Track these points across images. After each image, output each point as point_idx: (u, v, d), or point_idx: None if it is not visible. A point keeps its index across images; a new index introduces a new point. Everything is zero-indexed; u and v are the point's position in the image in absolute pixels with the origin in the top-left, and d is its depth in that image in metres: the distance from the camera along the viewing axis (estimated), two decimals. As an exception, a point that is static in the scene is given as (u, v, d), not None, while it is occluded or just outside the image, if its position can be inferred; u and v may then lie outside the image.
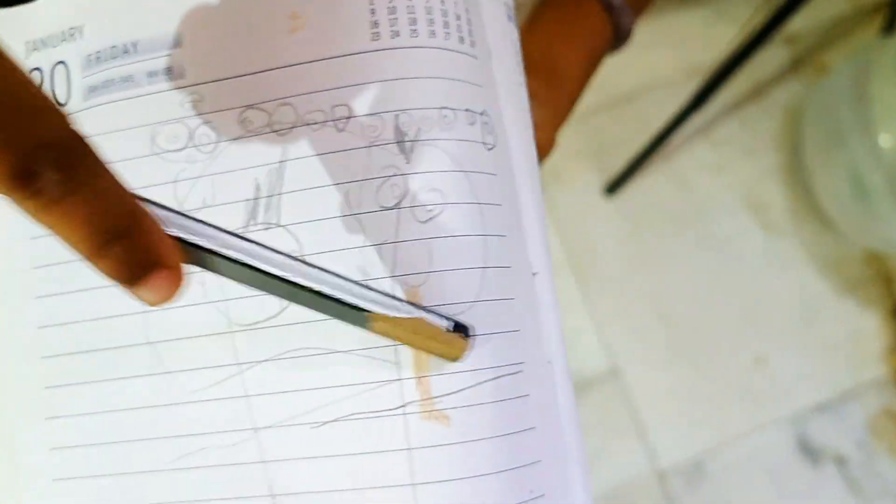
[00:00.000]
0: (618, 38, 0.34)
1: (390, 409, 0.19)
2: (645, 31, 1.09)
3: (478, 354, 0.20)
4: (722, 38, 0.84)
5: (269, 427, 0.20)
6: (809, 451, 0.98)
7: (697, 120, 1.03)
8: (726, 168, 1.07)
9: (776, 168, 1.07)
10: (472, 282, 0.20)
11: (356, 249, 0.20)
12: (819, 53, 1.10)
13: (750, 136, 1.08)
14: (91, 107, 0.22)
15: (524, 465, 0.20)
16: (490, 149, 0.21)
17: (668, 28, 1.09)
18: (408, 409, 0.19)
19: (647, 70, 1.09)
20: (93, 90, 0.23)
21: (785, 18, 0.73)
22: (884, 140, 0.84)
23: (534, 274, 0.22)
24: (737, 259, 1.04)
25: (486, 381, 0.20)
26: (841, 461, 0.98)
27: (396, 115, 0.20)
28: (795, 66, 1.10)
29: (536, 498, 0.20)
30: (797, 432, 0.99)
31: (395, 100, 0.20)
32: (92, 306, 0.22)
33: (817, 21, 1.10)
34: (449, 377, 0.19)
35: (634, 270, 1.03)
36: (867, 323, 1.02)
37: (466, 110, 0.21)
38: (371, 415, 0.19)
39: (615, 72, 1.06)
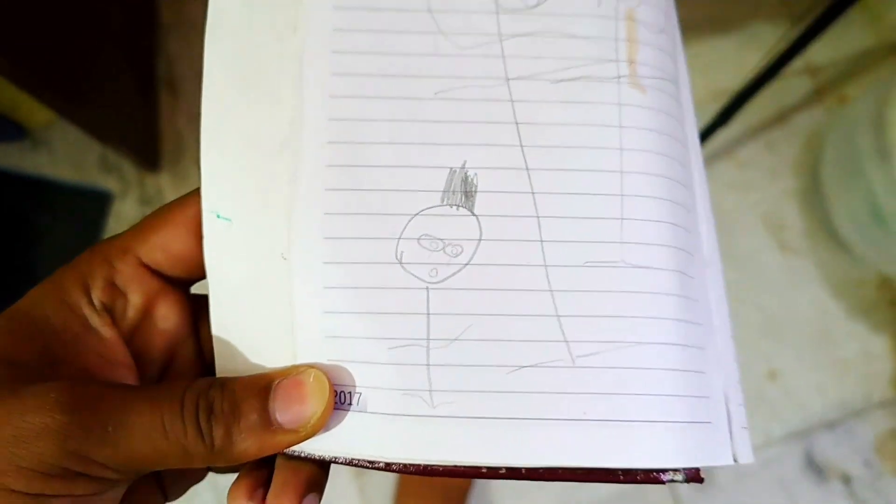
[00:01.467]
0: None
1: (610, 77, 0.28)
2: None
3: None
4: (751, 64, 0.88)
5: (519, 78, 0.27)
6: (817, 468, 1.01)
7: (724, 141, 1.08)
8: (749, 188, 1.11)
9: (796, 190, 1.11)
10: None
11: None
12: (841, 85, 1.15)
13: (773, 159, 1.12)
14: None
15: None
16: None
17: (698, 53, 1.15)
18: (621, 79, 0.28)
19: (678, 92, 1.13)
20: None
21: (806, 45, 0.79)
22: (900, 168, 0.87)
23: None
24: (755, 276, 1.08)
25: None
26: (847, 479, 1.00)
27: None
28: (819, 95, 1.15)
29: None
30: (806, 447, 1.01)
31: None
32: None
33: (841, 54, 1.15)
34: (649, 67, 0.28)
35: (655, 277, 1.07)
36: (877, 346, 1.05)
37: None
38: (596, 79, 0.28)
39: (647, 91, 1.11)
